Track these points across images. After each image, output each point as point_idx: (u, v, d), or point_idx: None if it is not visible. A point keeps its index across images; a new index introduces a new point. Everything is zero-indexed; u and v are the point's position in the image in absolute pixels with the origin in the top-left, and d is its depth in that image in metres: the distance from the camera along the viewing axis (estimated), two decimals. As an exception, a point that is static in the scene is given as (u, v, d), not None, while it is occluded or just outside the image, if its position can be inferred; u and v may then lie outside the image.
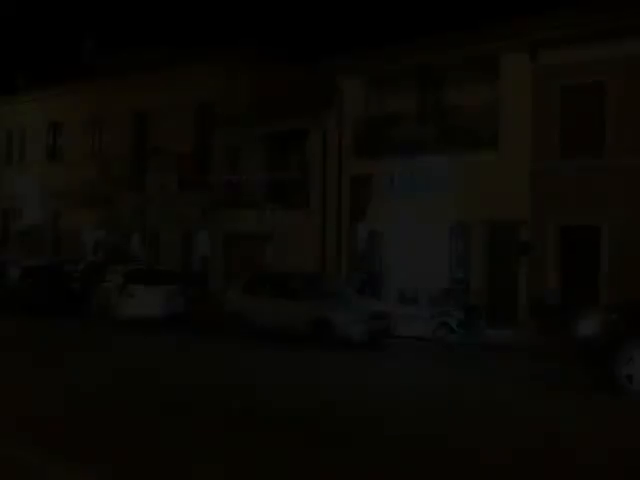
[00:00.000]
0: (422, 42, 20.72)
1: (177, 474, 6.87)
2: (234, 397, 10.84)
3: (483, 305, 15.97)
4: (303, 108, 24.13)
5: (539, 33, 17.68)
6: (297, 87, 25.72)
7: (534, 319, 17.52)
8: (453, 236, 19.70)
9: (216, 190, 26.44)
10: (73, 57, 37.89)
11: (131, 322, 20.44)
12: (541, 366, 14.14)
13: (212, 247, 27.40)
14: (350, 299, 17.91)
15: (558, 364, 13.71)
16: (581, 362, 11.39)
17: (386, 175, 21.02)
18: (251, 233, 24.66)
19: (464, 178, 19.16)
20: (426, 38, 20.76)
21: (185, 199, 26.18)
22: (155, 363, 14.40)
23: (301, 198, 24.17)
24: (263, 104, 25.99)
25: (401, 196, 20.56)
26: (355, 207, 22.04)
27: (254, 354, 15.95)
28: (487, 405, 10.47)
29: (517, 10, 18.97)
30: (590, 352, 11.00)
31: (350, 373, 13.54)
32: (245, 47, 27.56)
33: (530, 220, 18.10)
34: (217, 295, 25.82)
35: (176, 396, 10.69)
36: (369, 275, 21.46)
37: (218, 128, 26.87)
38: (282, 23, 33.61)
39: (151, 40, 34.08)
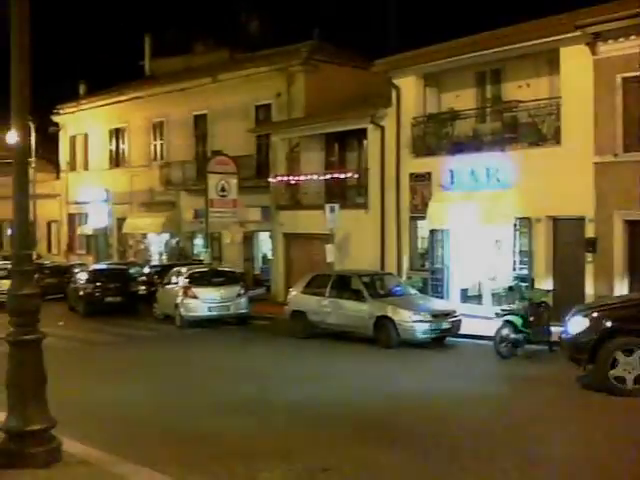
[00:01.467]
0: (480, 37, 20.51)
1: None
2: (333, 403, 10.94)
3: (548, 303, 15.69)
4: (361, 107, 24.13)
5: (599, 25, 17.28)
6: (354, 86, 25.75)
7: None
8: (516, 233, 19.45)
9: (275, 192, 26.67)
10: (133, 63, 38.64)
11: (195, 323, 20.80)
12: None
13: (273, 248, 27.64)
14: (412, 298, 17.86)
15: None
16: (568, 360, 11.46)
17: (446, 172, 20.86)
18: (311, 233, 24.77)
19: (526, 174, 18.88)
20: (484, 33, 20.56)
21: (246, 201, 26.47)
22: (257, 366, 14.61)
23: (360, 197, 24.21)
24: (321, 104, 26.09)
25: (461, 193, 20.37)
26: (415, 205, 21.95)
27: (325, 355, 16.05)
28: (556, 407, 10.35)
29: (577, 2, 18.61)
30: (576, 352, 11.08)
31: (416, 375, 13.52)
32: (302, 48, 27.74)
33: (595, 215, 17.74)
34: (279, 295, 26.07)
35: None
36: (431, 273, 21.35)
37: (277, 129, 27.07)
38: (338, 23, 33.67)
39: (210, 44, 34.54)
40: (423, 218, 21.30)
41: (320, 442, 8.48)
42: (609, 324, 10.74)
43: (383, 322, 16.51)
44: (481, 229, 20.03)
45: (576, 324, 11.18)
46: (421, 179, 21.70)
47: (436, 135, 21.56)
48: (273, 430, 9.13)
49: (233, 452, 8.07)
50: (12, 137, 6.62)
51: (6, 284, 23.97)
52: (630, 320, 10.73)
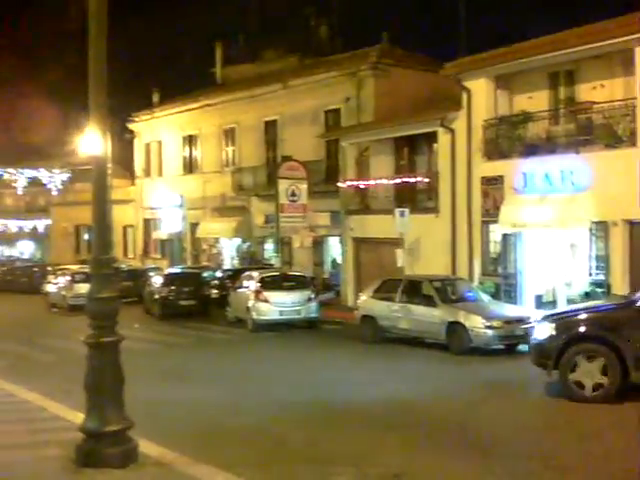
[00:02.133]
0: (553, 37, 20.10)
1: None
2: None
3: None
4: (430, 110, 23.97)
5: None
6: (424, 90, 25.59)
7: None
8: (592, 237, 18.97)
9: (345, 196, 26.70)
10: (205, 71, 39.31)
11: (266, 327, 20.99)
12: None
13: (342, 252, 27.69)
14: (484, 304, 17.62)
15: None
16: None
17: (518, 175, 20.50)
18: (381, 238, 24.71)
19: (601, 176, 18.39)
20: (557, 33, 20.13)
21: (316, 205, 26.60)
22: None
23: (431, 201, 24.03)
24: (390, 108, 26.02)
25: (535, 196, 19.99)
26: (486, 209, 21.65)
27: (394, 361, 15.99)
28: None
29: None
30: (542, 357, 11.26)
31: (488, 382, 13.33)
32: (371, 53, 27.74)
33: (674, 218, 17.17)
34: (348, 300, 26.09)
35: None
36: (503, 279, 21.00)
37: (346, 134, 27.12)
38: (407, 27, 33.54)
39: (280, 50, 34.86)
40: (495, 222, 20.97)
41: (390, 447, 8.45)
42: (575, 330, 10.90)
43: (454, 328, 16.33)
44: (555, 233, 19.60)
45: (543, 330, 11.37)
46: (493, 182, 21.39)
47: (508, 138, 21.21)
48: (342, 433, 9.13)
49: (303, 455, 8.11)
50: (91, 145, 6.83)
51: (84, 288, 24.76)
52: (596, 327, 10.81)
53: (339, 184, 26.74)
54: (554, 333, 11.12)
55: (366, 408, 10.78)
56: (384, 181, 25.15)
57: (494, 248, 21.76)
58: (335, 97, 28.27)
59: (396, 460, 7.86)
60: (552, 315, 11.92)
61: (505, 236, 21.04)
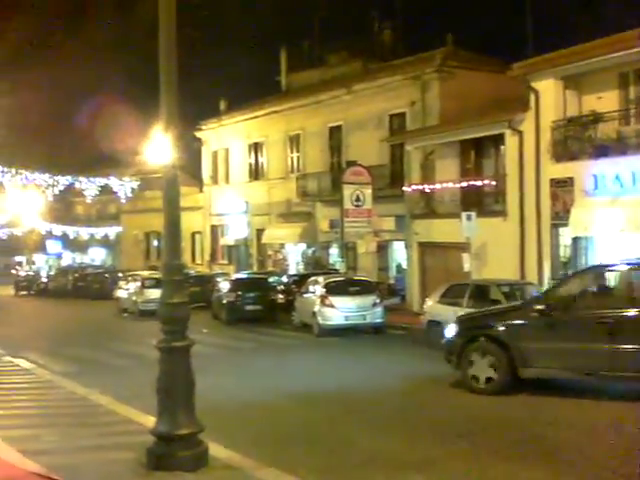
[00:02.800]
0: (622, 36, 19.59)
1: None
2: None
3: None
4: (497, 112, 23.65)
5: None
6: (490, 91, 25.26)
7: None
8: (666, 239, 18.39)
9: (410, 200, 26.56)
10: (270, 78, 39.67)
11: (332, 332, 21.01)
12: None
13: (408, 257, 27.53)
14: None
15: None
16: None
17: (588, 177, 20.03)
18: (447, 242, 24.48)
19: (676, 177, 17.84)
20: (626, 31, 19.61)
21: (380, 210, 26.52)
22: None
23: (498, 205, 23.69)
24: (456, 111, 25.78)
25: (606, 199, 19.49)
26: (556, 212, 21.22)
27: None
28: None
29: None
30: (449, 354, 12.62)
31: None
32: (436, 55, 27.55)
33: None
34: (414, 305, 25.91)
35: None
36: (573, 283, 20.49)
37: (412, 138, 26.99)
38: (472, 28, 33.18)
39: (344, 56, 34.90)
40: (565, 225, 20.53)
41: (461, 455, 8.34)
42: (471, 330, 12.35)
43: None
44: (628, 236, 19.06)
45: (450, 330, 12.87)
46: (562, 185, 20.95)
47: (578, 139, 20.76)
48: (408, 439, 9.06)
49: (372, 461, 8.08)
50: (161, 153, 6.98)
51: (154, 293, 25.34)
52: (488, 327, 12.12)
53: (404, 188, 26.61)
54: (458, 332, 12.59)
55: (432, 416, 10.68)
56: (450, 184, 24.91)
57: (564, 252, 21.31)
58: (400, 101, 28.16)
59: (466, 468, 7.76)
60: (463, 316, 13.53)
61: (575, 240, 20.57)
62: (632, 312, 10.76)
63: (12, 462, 7.42)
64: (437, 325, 18.38)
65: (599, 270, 12.81)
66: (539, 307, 11.63)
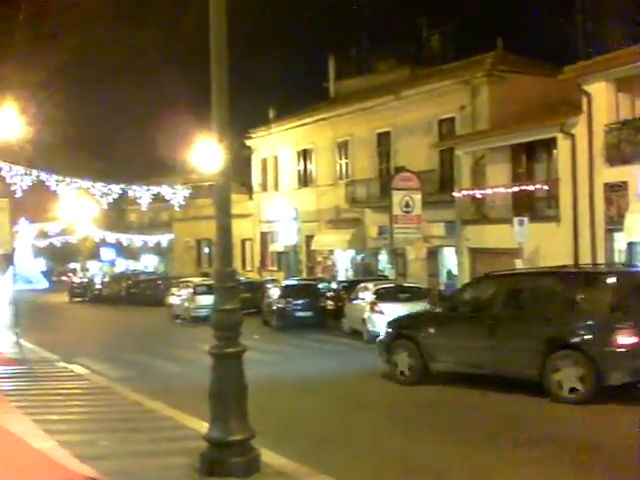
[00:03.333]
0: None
1: None
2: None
3: None
4: (549, 116, 23.31)
5: None
6: (541, 95, 24.91)
7: None
8: None
9: (460, 206, 26.34)
10: (318, 86, 39.81)
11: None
12: None
13: (458, 263, 27.29)
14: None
15: None
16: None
17: (644, 181, 19.60)
18: (498, 248, 24.18)
19: None
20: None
21: (430, 216, 26.35)
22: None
23: (550, 209, 23.32)
24: (506, 115, 25.49)
25: (662, 203, 19.05)
26: (610, 217, 20.80)
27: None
28: None
29: None
30: (381, 352, 14.84)
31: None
32: (485, 59, 27.32)
33: None
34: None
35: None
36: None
37: (461, 143, 26.78)
38: (521, 31, 32.80)
39: (392, 62, 34.86)
40: (620, 230, 20.11)
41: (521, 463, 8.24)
42: (396, 330, 14.68)
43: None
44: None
45: (384, 331, 15.21)
46: (617, 189, 20.53)
47: (632, 142, 20.32)
48: (461, 449, 8.97)
49: (422, 470, 8.02)
50: (213, 161, 7.06)
51: (206, 299, 25.56)
52: (406, 327, 14.57)
53: (454, 194, 26.40)
54: (388, 333, 14.88)
55: (485, 423, 10.56)
56: (501, 189, 24.63)
57: (619, 257, 20.85)
58: (449, 106, 27.98)
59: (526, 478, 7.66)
60: (392, 320, 15.73)
61: (630, 245, 20.14)
62: (508, 315, 12.93)
63: (69, 467, 7.56)
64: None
65: (489, 278, 14.71)
66: (439, 310, 15.05)
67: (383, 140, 32.02)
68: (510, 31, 31.37)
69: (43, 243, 68.00)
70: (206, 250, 51.05)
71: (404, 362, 14.01)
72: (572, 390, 11.49)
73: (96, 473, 7.19)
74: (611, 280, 12.61)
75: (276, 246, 40.25)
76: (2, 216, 20.93)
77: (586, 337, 11.67)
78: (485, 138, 25.70)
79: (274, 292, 27.44)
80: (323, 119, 35.62)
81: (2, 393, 12.67)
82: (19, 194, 26.79)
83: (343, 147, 34.80)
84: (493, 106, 26.39)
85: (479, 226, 25.70)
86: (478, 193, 25.62)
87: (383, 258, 32.40)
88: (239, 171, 40.23)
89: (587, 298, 12.44)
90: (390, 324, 15.20)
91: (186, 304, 30.52)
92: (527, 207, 23.80)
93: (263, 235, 41.89)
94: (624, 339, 11.39)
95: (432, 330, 13.81)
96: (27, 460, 7.93)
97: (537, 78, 25.94)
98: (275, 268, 40.56)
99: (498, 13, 37.45)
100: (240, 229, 40.22)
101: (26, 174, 26.98)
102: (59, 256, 76.63)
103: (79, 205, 47.91)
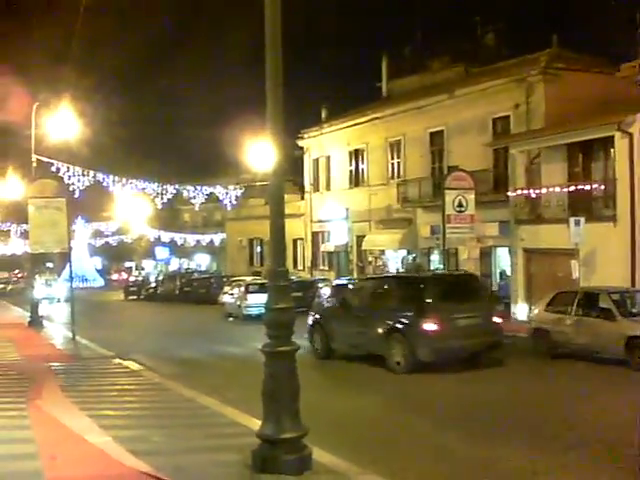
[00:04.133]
0: None
1: None
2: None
3: None
4: (606, 114, 22.81)
5: None
6: (598, 93, 24.42)
7: None
8: None
9: (515, 205, 25.97)
10: (371, 85, 39.73)
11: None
12: None
13: (512, 263, 26.91)
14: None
15: None
16: None
17: None
18: (554, 248, 23.78)
19: None
20: None
21: (483, 216, 26.06)
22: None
23: (608, 209, 22.82)
24: (562, 114, 25.04)
25: None
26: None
27: (570, 378, 15.32)
28: None
29: None
30: (309, 337, 18.53)
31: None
32: (540, 57, 26.90)
33: None
34: (518, 313, 25.29)
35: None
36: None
37: (516, 141, 26.40)
38: (577, 28, 32.21)
39: (445, 60, 34.61)
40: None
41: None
42: (314, 318, 18.88)
43: (635, 343, 15.36)
44: None
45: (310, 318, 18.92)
46: (677, 188, 20.01)
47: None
48: (501, 447, 8.83)
49: (474, 472, 7.93)
50: (267, 161, 7.09)
51: (258, 298, 25.73)
52: (320, 317, 18.86)
53: (509, 193, 26.05)
54: (312, 320, 18.83)
55: (540, 428, 10.38)
56: (557, 189, 24.21)
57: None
58: (503, 104, 27.61)
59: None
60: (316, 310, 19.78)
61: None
62: (369, 308, 17.25)
63: (123, 462, 7.69)
64: (544, 334, 17.90)
65: (361, 280, 21.75)
66: (340, 301, 18.65)
67: (436, 139, 31.78)
68: (566, 27, 30.84)
69: (99, 242, 69.43)
70: (258, 249, 51.42)
71: (318, 342, 18.38)
72: (398, 363, 15.71)
73: (150, 468, 7.29)
74: (422, 283, 17.06)
75: (327, 246, 40.29)
76: (60, 216, 21.47)
77: (405, 324, 15.90)
78: (540, 137, 25.28)
79: (325, 291, 27.44)
80: (376, 118, 35.51)
81: (59, 388, 12.96)
82: (77, 194, 27.39)
83: (395, 146, 34.64)
84: (548, 104, 25.94)
85: (534, 226, 25.30)
86: (533, 192, 25.23)
87: (435, 258, 32.14)
88: (291, 171, 40.44)
89: (410, 296, 16.34)
90: (313, 313, 19.19)
91: (238, 302, 30.77)
92: (583, 207, 23.34)
93: (314, 235, 41.98)
94: (428, 326, 15.51)
95: (331, 319, 18.38)
96: (83, 455, 8.09)
97: (593, 75, 25.44)
98: (326, 268, 40.61)
99: (553, 9, 36.87)
100: (292, 229, 40.38)
101: (84, 174, 27.57)
102: (114, 255, 78.09)
103: (134, 205, 48.74)
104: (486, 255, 28.79)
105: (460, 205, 25.09)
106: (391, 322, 16.14)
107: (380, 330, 16.29)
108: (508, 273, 27.88)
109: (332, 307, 19.12)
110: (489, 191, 27.26)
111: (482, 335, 16.08)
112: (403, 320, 15.90)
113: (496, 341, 16.50)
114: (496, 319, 17.09)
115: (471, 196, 25.28)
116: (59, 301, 35.66)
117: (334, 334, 17.95)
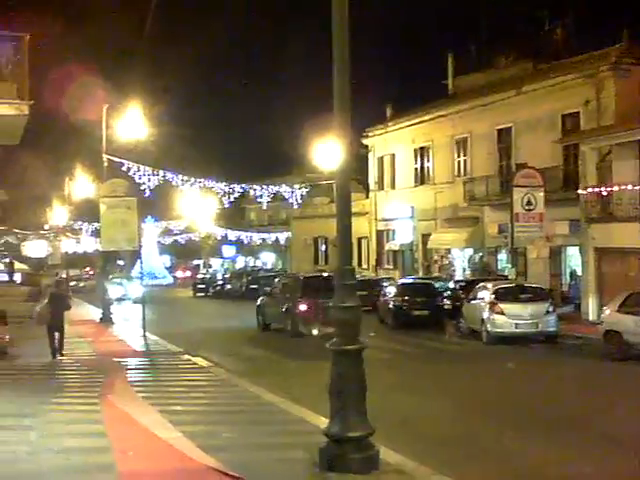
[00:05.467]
0: None
1: None
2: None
3: None
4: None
5: None
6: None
7: None
8: None
9: (586, 203, 25.38)
10: (436, 83, 39.40)
11: (501, 340, 20.45)
12: None
13: (583, 263, 26.32)
14: None
15: None
16: None
17: None
18: (626, 247, 23.15)
19: None
20: None
21: (553, 214, 25.55)
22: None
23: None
24: (634, 109, 24.34)
25: None
26: None
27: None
28: None
29: None
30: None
31: None
32: (611, 52, 26.21)
33: None
34: (589, 314, 24.72)
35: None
36: None
37: (586, 138, 25.80)
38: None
39: (512, 56, 34.06)
40: None
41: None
42: (260, 302, 25.87)
43: None
44: None
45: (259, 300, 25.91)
46: None
47: None
48: (576, 455, 8.64)
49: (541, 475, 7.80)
50: (334, 160, 7.11)
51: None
52: (262, 300, 26.20)
53: (579, 191, 25.47)
54: (259, 302, 26.50)
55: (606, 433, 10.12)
56: (629, 187, 23.55)
57: None
58: (573, 100, 27.01)
59: None
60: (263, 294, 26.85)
61: None
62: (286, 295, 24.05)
63: (193, 457, 7.82)
64: (616, 335, 17.44)
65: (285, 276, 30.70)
66: (268, 291, 26.51)
67: (503, 136, 31.31)
68: (636, 22, 29.97)
69: (168, 240, 70.73)
70: (322, 248, 51.56)
71: (261, 320, 25.88)
72: (288, 330, 23.09)
73: (219, 464, 7.40)
74: (301, 278, 25.53)
75: (392, 244, 40.12)
76: (131, 215, 21.97)
77: (289, 306, 23.25)
78: (612, 133, 24.63)
79: (390, 290, 27.37)
80: (442, 116, 35.20)
81: (129, 384, 13.27)
82: (147, 193, 27.98)
83: (462, 144, 34.26)
84: (619, 100, 25.27)
85: (605, 225, 24.67)
86: (605, 190, 24.60)
87: (502, 257, 31.67)
88: (356, 169, 40.39)
89: (296, 287, 24.04)
90: (260, 298, 26.78)
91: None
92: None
93: (379, 233, 41.85)
94: (301, 306, 22.73)
95: (265, 303, 25.87)
96: (154, 450, 8.26)
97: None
98: (391, 266, 40.45)
99: (623, 3, 35.84)
100: (357, 227, 40.00)
101: (153, 174, 28.14)
102: (182, 253, 79.43)
103: (202, 204, 49.46)
104: (556, 254, 28.24)
105: (529, 203, 24.67)
106: (288, 305, 23.47)
107: (288, 311, 23.42)
108: (578, 273, 27.30)
109: (268, 294, 26.37)
110: (559, 189, 26.71)
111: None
112: (289, 303, 23.41)
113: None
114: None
115: (540, 194, 24.83)
116: (135, 302, 36.25)
117: (268, 314, 25.55)
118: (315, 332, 21.28)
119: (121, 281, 44.51)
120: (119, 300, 38.76)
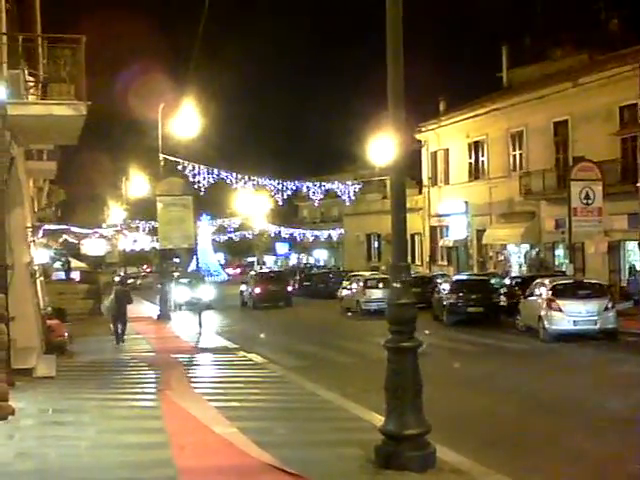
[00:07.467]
0: None
1: None
2: None
3: None
4: None
5: None
6: None
7: None
8: None
9: (645, 197, 24.77)
10: (491, 76, 38.88)
11: (559, 337, 20.08)
12: None
13: (643, 258, 25.70)
14: None
15: None
16: None
17: None
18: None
19: None
20: None
21: (611, 208, 24.99)
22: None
23: None
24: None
25: None
26: None
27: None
28: None
29: None
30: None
31: None
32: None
33: None
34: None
35: None
36: None
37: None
38: None
39: (568, 48, 33.46)
40: None
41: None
42: (244, 286, 38.44)
43: None
44: None
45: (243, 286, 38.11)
46: None
47: None
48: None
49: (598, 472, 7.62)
50: (388, 156, 7.07)
51: (376, 293, 25.60)
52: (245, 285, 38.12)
53: (638, 184, 24.85)
54: (243, 286, 38.69)
55: None
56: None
57: None
58: (630, 92, 26.38)
59: None
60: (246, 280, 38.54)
61: None
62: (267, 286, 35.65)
63: (249, 453, 7.86)
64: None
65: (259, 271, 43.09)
66: (252, 275, 37.66)
67: (560, 129, 30.75)
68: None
69: (222, 238, 71.48)
70: (375, 244, 51.42)
71: (244, 300, 35.51)
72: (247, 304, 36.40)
73: (274, 460, 7.43)
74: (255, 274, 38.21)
75: (446, 240, 39.78)
76: (187, 213, 22.28)
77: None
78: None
79: (444, 287, 27.08)
80: (496, 109, 34.73)
81: (187, 380, 13.44)
82: (202, 192, 28.33)
83: (517, 137, 33.76)
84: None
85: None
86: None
87: (559, 253, 31.11)
88: (409, 165, 40.10)
89: (278, 279, 36.94)
90: (243, 282, 36.60)
91: (357, 297, 30.84)
92: None
93: (433, 229, 41.54)
94: (256, 290, 35.27)
95: (246, 289, 35.30)
96: (211, 445, 8.34)
97: None
98: (445, 263, 40.12)
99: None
100: (410, 223, 39.36)
101: (208, 172, 28.46)
102: (236, 250, 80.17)
103: (255, 201, 49.80)
104: (614, 249, 27.63)
105: (587, 197, 24.16)
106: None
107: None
108: (638, 268, 26.64)
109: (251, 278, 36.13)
110: (617, 182, 26.14)
111: (280, 299, 35.50)
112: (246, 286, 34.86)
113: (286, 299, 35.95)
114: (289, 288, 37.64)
115: (599, 188, 24.30)
116: (209, 307, 30.50)
117: (247, 297, 36.09)
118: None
119: (189, 281, 35.42)
120: (189, 306, 32.56)
